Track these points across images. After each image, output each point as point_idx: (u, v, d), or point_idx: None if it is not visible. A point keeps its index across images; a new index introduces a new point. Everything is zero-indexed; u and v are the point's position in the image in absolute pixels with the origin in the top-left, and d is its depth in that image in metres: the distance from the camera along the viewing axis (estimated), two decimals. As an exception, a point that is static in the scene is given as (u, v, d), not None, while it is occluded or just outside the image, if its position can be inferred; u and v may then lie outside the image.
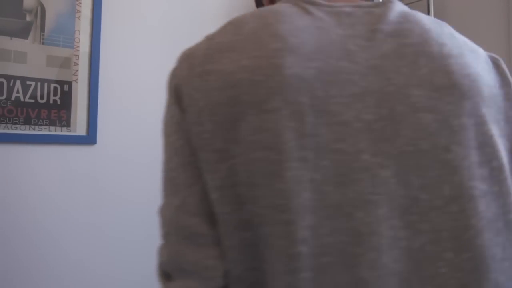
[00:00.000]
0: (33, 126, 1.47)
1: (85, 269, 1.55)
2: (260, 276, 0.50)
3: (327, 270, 0.49)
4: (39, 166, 1.49)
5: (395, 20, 0.57)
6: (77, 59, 1.56)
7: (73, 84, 1.55)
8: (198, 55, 0.56)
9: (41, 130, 1.49)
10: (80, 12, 1.57)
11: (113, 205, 1.63)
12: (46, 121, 1.49)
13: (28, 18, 1.47)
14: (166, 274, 0.56)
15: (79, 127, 1.56)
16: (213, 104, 0.52)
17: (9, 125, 1.43)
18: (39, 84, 1.49)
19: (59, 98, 1.52)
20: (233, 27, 0.56)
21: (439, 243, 0.50)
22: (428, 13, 1.91)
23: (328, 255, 0.49)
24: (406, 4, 2.00)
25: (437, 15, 1.93)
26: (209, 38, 0.56)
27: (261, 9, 0.58)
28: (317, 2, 0.58)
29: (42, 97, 1.49)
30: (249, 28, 0.55)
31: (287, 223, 0.48)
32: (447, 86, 0.53)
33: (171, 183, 0.56)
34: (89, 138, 1.57)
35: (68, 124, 1.54)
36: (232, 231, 0.51)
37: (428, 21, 0.58)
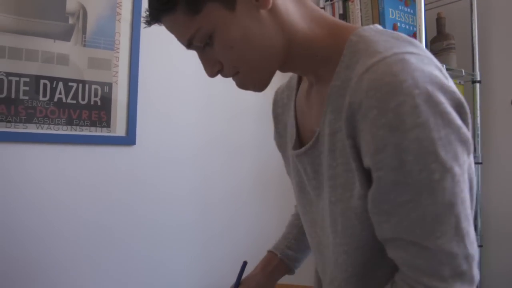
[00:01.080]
0: (74, 127, 1.50)
1: (128, 269, 1.57)
2: None
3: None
4: (80, 166, 1.51)
5: None
6: (117, 61, 1.58)
7: (113, 85, 1.57)
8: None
9: (82, 130, 1.51)
10: (120, 15, 1.60)
11: (151, 205, 1.64)
12: (87, 122, 1.52)
13: (70, 21, 1.50)
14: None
15: (119, 128, 1.58)
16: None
17: (52, 126, 1.46)
18: (80, 85, 1.52)
19: (100, 99, 1.55)
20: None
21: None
22: (471, 13, 1.86)
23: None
24: (448, 4, 1.95)
25: (481, 15, 1.88)
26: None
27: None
28: None
29: (83, 98, 1.52)
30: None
31: None
32: None
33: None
34: (128, 139, 1.59)
35: (108, 125, 1.56)
36: None
37: None
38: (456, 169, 0.58)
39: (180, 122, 1.73)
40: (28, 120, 1.43)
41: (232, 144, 1.77)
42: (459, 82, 1.86)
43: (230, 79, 0.75)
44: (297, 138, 0.83)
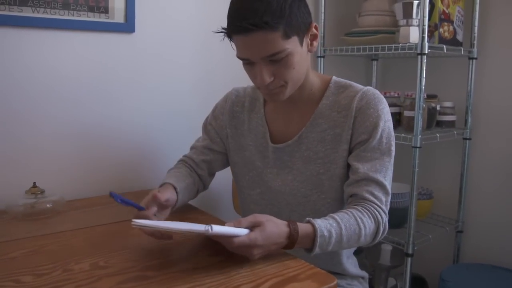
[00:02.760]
0: (71, 12, 1.44)
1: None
2: None
3: None
4: (78, 53, 1.48)
5: None
6: None
7: (110, -33, 1.48)
8: None
9: (80, 16, 1.45)
10: None
11: (151, 94, 1.66)
12: (84, 7, 1.45)
13: None
14: None
15: (117, 14, 1.52)
16: None
17: (48, 10, 1.40)
18: (74, -35, 1.42)
19: (96, -19, 1.46)
20: None
21: None
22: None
23: None
24: None
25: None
26: None
27: None
28: None
29: (79, -20, 1.43)
30: None
31: None
32: None
33: None
34: (128, 26, 1.54)
35: (106, 11, 1.50)
36: None
37: None
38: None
39: (179, 11, 1.67)
40: (23, 3, 1.35)
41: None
42: None
43: None
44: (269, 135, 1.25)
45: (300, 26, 1.04)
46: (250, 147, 1.29)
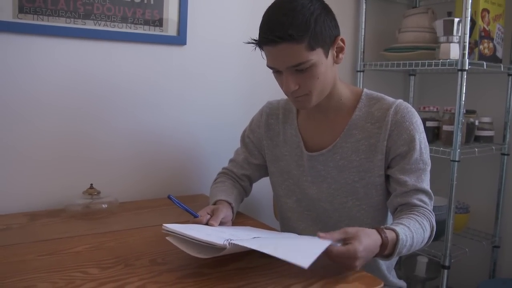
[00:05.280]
0: (129, 25, 1.53)
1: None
2: None
3: None
4: (134, 63, 1.57)
5: None
6: (170, -42, 1.56)
7: (165, -17, 1.57)
8: None
9: (136, 29, 1.55)
10: None
11: (196, 105, 1.74)
12: (140, 20, 1.55)
13: None
14: None
15: (170, 27, 1.61)
16: None
17: (108, 23, 1.50)
18: (133, -19, 1.52)
19: (152, -3, 1.56)
20: None
21: None
22: None
23: None
24: None
25: None
26: None
27: None
28: None
29: (136, -4, 1.53)
30: None
31: None
32: None
33: None
34: (180, 39, 1.63)
35: (160, 24, 1.59)
36: None
37: None
38: None
39: (229, 24, 1.76)
40: (86, 16, 1.46)
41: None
42: None
43: None
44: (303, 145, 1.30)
45: (325, 39, 1.09)
46: (285, 157, 1.34)
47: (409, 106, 1.21)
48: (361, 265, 0.96)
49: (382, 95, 1.25)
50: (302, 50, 1.06)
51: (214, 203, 1.27)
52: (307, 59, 1.07)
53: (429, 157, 1.20)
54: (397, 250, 1.01)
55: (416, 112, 1.21)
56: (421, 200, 1.16)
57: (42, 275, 0.93)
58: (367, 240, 0.95)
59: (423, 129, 1.21)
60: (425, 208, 1.16)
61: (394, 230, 1.01)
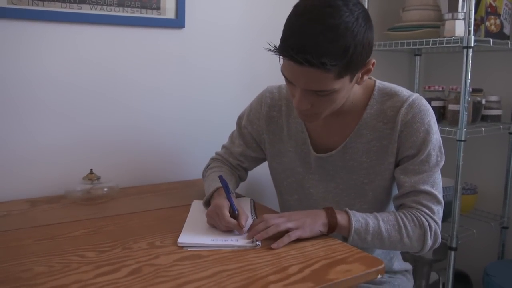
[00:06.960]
0: (126, 8, 1.51)
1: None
2: None
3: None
4: (132, 47, 1.56)
5: None
6: None
7: (162, -35, 1.54)
8: None
9: (134, 12, 1.52)
10: None
11: (200, 87, 1.72)
12: (137, 4, 1.52)
13: None
14: None
15: (168, 10, 1.58)
16: None
17: (104, 7, 1.47)
18: (129, -36, 1.49)
19: (148, -21, 1.53)
20: None
21: None
22: None
23: None
24: None
25: None
26: None
27: None
28: None
29: (133, -22, 1.50)
30: None
31: None
32: None
33: None
34: (178, 22, 1.60)
35: (158, 7, 1.56)
36: None
37: None
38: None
39: (228, 7, 1.73)
40: (82, 1, 1.44)
41: (280, 26, 1.77)
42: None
43: None
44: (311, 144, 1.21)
45: (358, 66, 0.98)
46: (289, 153, 1.26)
47: (423, 103, 1.10)
48: (293, 224, 1.01)
49: (396, 87, 1.14)
50: (329, 79, 0.94)
51: (215, 190, 1.23)
52: (331, 88, 0.96)
53: (441, 157, 1.12)
54: (352, 228, 1.02)
55: (430, 110, 1.11)
56: (418, 202, 1.08)
57: (39, 259, 0.93)
58: (297, 212, 1.08)
59: (437, 129, 1.12)
60: (418, 210, 1.08)
61: (345, 211, 1.06)
